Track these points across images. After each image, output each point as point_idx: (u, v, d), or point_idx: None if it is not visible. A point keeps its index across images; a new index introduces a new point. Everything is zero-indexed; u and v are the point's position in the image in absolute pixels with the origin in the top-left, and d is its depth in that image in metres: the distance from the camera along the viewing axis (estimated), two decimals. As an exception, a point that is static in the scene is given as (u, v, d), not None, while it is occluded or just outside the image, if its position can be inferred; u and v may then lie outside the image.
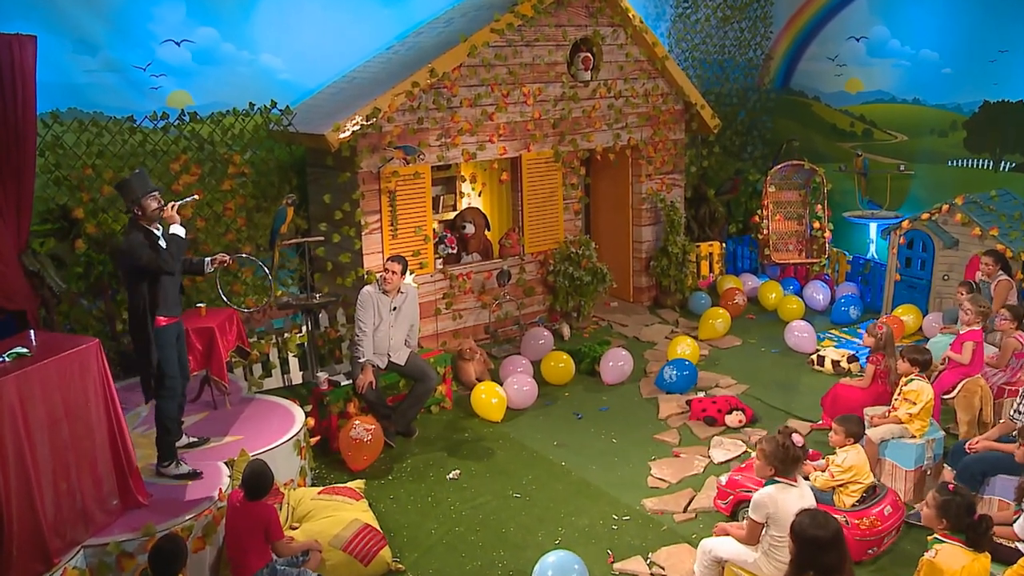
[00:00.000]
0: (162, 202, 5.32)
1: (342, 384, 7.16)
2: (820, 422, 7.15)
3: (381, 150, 8.30)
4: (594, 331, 9.85)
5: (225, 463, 5.67)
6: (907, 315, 9.21)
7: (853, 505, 5.39)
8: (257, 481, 4.90)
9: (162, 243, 5.30)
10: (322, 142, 8.02)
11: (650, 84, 10.12)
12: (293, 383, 8.22)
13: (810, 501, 4.49)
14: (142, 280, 5.24)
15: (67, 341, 4.88)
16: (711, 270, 11.11)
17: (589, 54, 9.54)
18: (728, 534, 4.73)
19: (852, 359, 8.45)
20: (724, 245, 11.40)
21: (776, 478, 4.47)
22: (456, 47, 8.48)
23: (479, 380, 8.18)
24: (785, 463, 4.43)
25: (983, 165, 10.15)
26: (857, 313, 9.86)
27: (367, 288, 7.19)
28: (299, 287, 8.82)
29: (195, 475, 5.47)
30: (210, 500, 5.20)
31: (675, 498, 6.19)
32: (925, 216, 9.25)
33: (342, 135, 7.92)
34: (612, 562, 5.44)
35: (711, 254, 11.16)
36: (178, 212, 5.41)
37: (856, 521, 5.26)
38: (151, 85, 8.64)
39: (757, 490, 5.60)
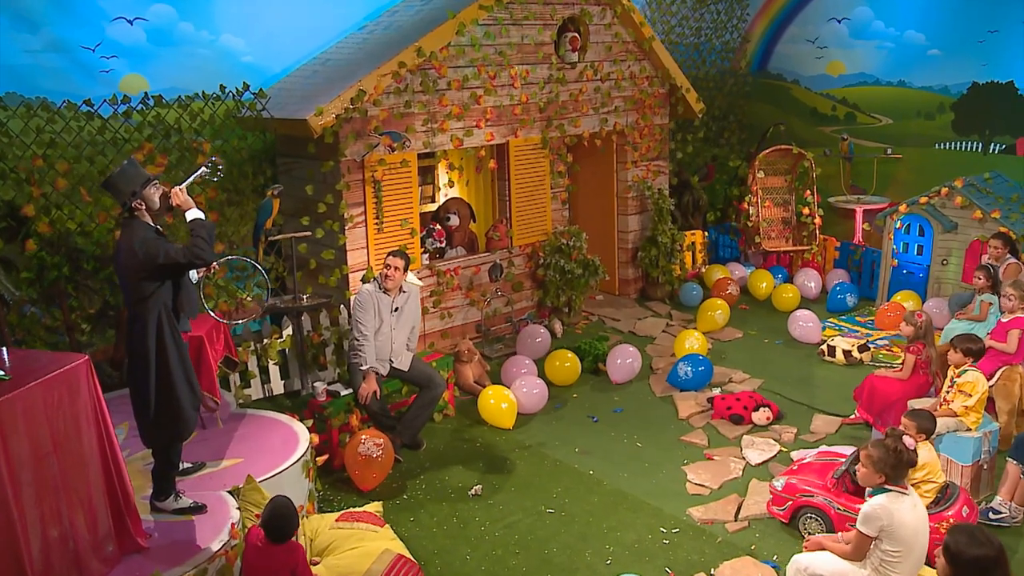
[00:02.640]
0: (163, 190, 4.53)
1: (342, 394, 6.46)
2: (853, 416, 6.79)
3: (366, 136, 7.61)
4: (586, 326, 9.34)
5: (230, 492, 4.95)
6: (907, 301, 8.98)
7: (928, 507, 4.99)
8: (282, 523, 4.25)
9: None
10: (301, 128, 7.29)
11: (636, 66, 9.65)
12: (274, 393, 7.49)
13: (922, 510, 4.06)
14: (163, 284, 4.43)
15: (50, 360, 4.07)
16: (694, 260, 10.74)
17: (577, 34, 9.03)
18: (823, 548, 4.26)
19: (863, 348, 8.16)
20: (707, 234, 11.04)
21: (886, 486, 4.01)
22: (444, 24, 7.84)
23: (478, 384, 7.61)
24: (897, 468, 3.97)
25: (972, 148, 9.99)
26: (854, 301, 9.60)
27: (366, 287, 6.51)
28: (276, 287, 8.02)
29: (199, 509, 4.73)
30: (221, 539, 4.49)
31: (722, 505, 5.71)
32: (924, 200, 9.04)
33: (324, 120, 7.20)
34: (674, 582, 4.94)
35: (694, 243, 10.78)
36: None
37: (935, 525, 4.84)
38: (101, 68, 7.81)
39: (819, 495, 5.25)
